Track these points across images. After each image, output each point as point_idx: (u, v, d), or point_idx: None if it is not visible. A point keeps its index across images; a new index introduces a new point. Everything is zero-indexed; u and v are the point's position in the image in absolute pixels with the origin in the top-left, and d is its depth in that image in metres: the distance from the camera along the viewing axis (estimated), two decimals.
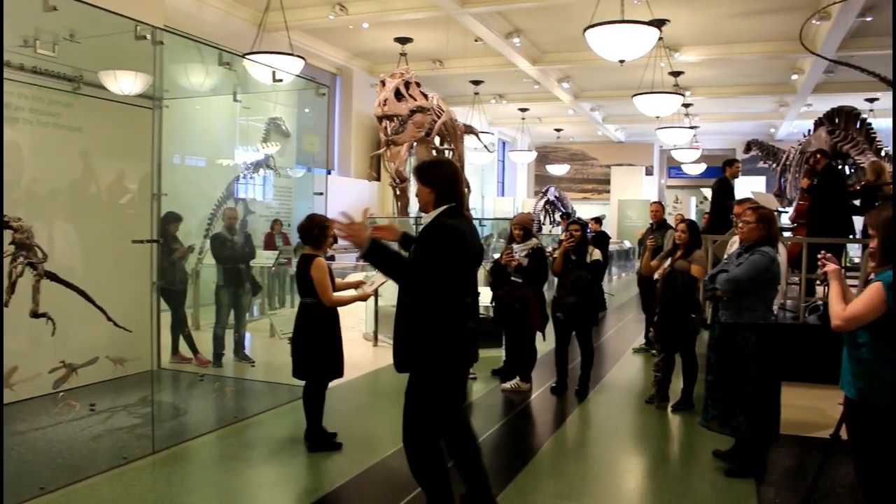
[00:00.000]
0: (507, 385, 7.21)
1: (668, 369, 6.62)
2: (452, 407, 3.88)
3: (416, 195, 3.88)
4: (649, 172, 30.28)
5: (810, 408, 6.55)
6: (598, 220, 13.29)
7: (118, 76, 6.78)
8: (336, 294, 5.35)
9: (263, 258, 9.27)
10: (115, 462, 4.88)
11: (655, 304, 6.80)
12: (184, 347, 7.85)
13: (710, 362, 5.12)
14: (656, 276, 6.85)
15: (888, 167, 9.37)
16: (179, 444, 5.35)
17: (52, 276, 5.01)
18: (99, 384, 6.44)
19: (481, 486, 3.92)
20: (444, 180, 3.77)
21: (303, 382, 5.36)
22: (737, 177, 9.91)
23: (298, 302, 5.40)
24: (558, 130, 27.24)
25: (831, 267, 3.51)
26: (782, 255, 6.02)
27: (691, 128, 20.51)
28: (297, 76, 9.32)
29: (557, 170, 28.10)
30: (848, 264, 9.93)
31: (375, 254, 3.60)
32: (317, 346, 5.26)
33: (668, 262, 6.55)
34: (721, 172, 10.00)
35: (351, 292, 5.58)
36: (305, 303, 5.31)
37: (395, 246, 4.13)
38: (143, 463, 4.94)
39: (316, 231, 5.28)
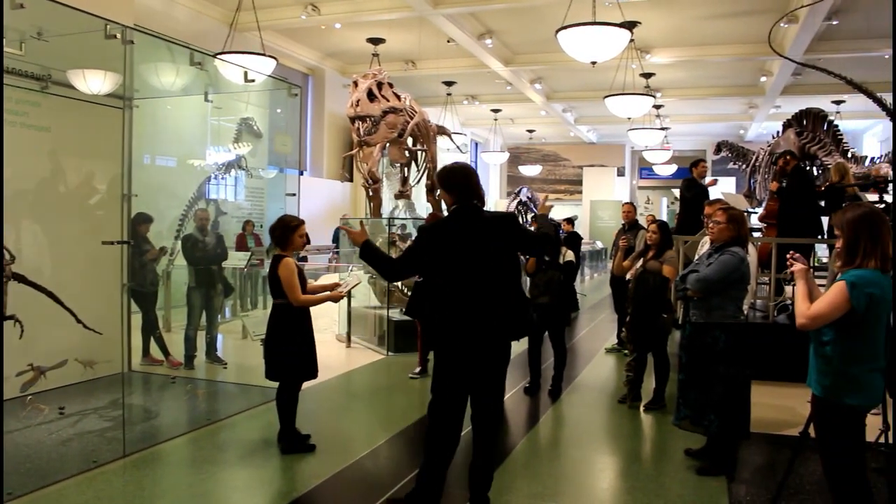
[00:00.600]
0: None
1: (641, 369, 6.68)
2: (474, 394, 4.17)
3: (440, 198, 4.31)
4: (621, 173, 30.51)
5: (780, 406, 6.63)
6: (571, 221, 13.36)
7: (87, 75, 6.70)
8: (305, 295, 5.29)
9: (235, 259, 9.21)
10: (85, 466, 4.82)
11: (627, 305, 6.84)
12: (155, 349, 7.77)
13: (682, 362, 5.18)
14: (628, 276, 6.90)
15: (853, 168, 9.52)
16: (151, 447, 5.30)
17: (20, 278, 4.95)
18: (68, 387, 6.36)
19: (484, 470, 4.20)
20: (459, 186, 4.15)
21: (276, 384, 5.33)
22: (703, 176, 10.02)
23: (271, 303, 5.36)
24: (530, 131, 27.35)
25: (798, 267, 3.56)
26: (752, 255, 6.09)
27: (662, 129, 20.69)
28: (269, 76, 9.27)
29: (530, 170, 28.22)
30: (816, 264, 10.07)
31: (366, 252, 4.22)
32: (289, 347, 5.22)
33: (640, 262, 6.61)
34: (689, 173, 10.11)
35: (335, 307, 5.59)
36: (277, 304, 5.25)
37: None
38: (113, 467, 4.89)
39: (279, 232, 5.25)
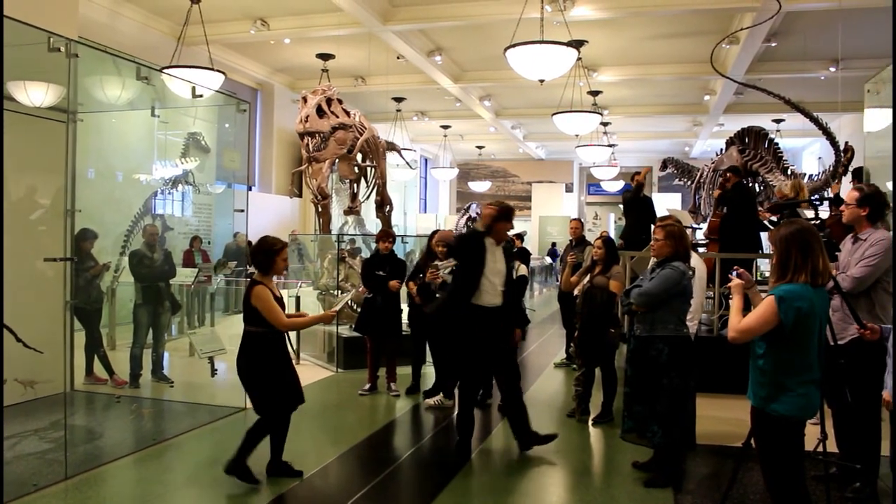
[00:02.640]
0: (431, 401, 7.23)
1: (589, 383, 6.74)
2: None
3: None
4: (569, 189, 30.86)
5: (725, 418, 6.75)
6: (520, 237, 13.45)
7: (29, 88, 6.56)
8: (291, 319, 5.02)
9: (182, 276, 9.09)
10: (25, 490, 4.70)
11: (576, 320, 6.92)
12: (99, 368, 7.61)
13: (627, 375, 5.26)
14: (576, 291, 6.98)
15: (778, 189, 9.80)
16: (94, 468, 5.18)
17: None
18: (7, 408, 6.18)
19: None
20: None
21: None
22: (642, 185, 10.21)
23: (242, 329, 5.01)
24: (480, 148, 27.53)
25: (735, 282, 3.67)
26: (701, 270, 6.18)
27: (609, 146, 20.97)
28: (218, 91, 9.20)
29: (479, 186, 28.37)
30: (759, 278, 10.30)
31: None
32: (273, 378, 4.91)
33: (587, 278, 6.69)
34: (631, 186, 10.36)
35: (310, 314, 5.42)
36: (251, 332, 4.92)
37: None
38: (54, 490, 4.77)
39: (261, 257, 4.93)
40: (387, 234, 8.00)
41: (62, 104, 6.42)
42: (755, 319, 3.41)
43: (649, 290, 4.97)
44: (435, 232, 7.77)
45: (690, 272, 5.16)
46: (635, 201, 10.19)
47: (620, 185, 26.39)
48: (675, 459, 5.13)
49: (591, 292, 6.56)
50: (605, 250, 6.62)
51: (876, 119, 7.49)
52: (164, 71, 9.04)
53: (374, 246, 8.54)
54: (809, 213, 7.79)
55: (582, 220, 10.92)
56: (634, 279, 6.16)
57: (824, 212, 7.65)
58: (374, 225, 11.86)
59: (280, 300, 4.97)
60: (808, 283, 3.35)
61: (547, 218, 28.23)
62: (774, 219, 8.63)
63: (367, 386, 7.77)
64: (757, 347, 3.50)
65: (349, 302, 9.49)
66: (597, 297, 6.48)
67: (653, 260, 5.24)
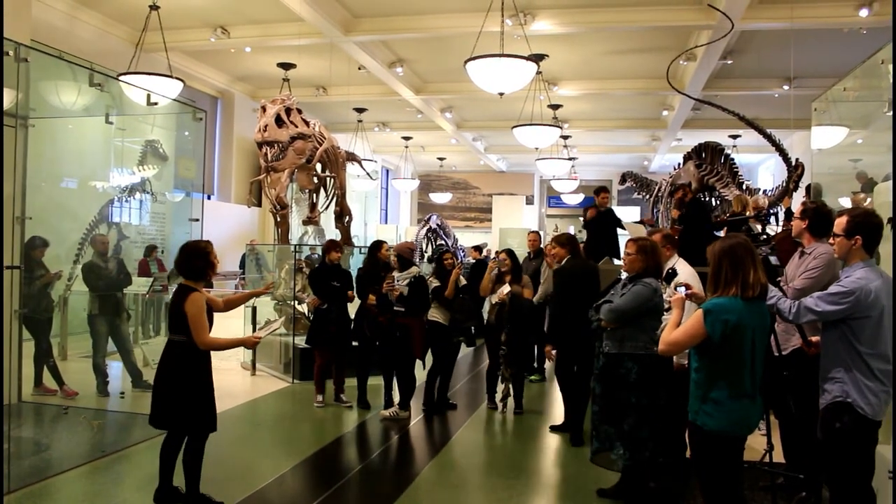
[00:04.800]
0: (386, 412, 7.20)
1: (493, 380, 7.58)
2: None
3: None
4: (530, 201, 31.02)
5: None
6: (479, 249, 13.48)
7: None
8: (213, 337, 4.56)
9: (138, 285, 8.96)
10: None
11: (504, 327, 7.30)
12: (48, 378, 7.46)
13: (596, 393, 5.09)
14: (496, 299, 7.28)
15: (754, 201, 9.97)
16: (38, 482, 5.08)
17: None
18: None
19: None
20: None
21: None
22: (605, 205, 10.32)
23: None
24: (441, 159, 27.58)
25: (676, 296, 3.71)
26: (695, 282, 6.10)
27: (570, 159, 21.12)
28: (174, 100, 9.11)
29: (440, 198, 28.41)
30: None
31: None
32: (185, 394, 4.52)
33: (507, 289, 7.16)
34: (594, 201, 10.47)
35: (234, 334, 5.07)
36: (175, 341, 4.56)
37: None
38: None
39: (199, 262, 4.56)
40: (335, 245, 7.88)
41: (11, 109, 6.31)
42: (682, 332, 3.45)
43: (619, 306, 4.77)
44: (377, 242, 7.77)
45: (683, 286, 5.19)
46: (599, 216, 10.29)
47: (580, 197, 26.62)
48: (640, 480, 4.93)
49: (516, 301, 7.17)
50: (510, 261, 7.36)
51: (823, 137, 7.64)
52: (120, 78, 8.95)
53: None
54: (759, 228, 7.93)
55: (541, 232, 10.97)
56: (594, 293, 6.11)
57: (772, 227, 7.79)
58: (333, 235, 11.82)
59: (210, 313, 4.62)
60: (739, 296, 3.39)
61: (507, 230, 28.31)
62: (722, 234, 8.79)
63: (320, 398, 7.69)
64: (693, 360, 3.54)
65: (307, 314, 9.44)
66: (523, 305, 7.21)
67: (624, 275, 5.13)
